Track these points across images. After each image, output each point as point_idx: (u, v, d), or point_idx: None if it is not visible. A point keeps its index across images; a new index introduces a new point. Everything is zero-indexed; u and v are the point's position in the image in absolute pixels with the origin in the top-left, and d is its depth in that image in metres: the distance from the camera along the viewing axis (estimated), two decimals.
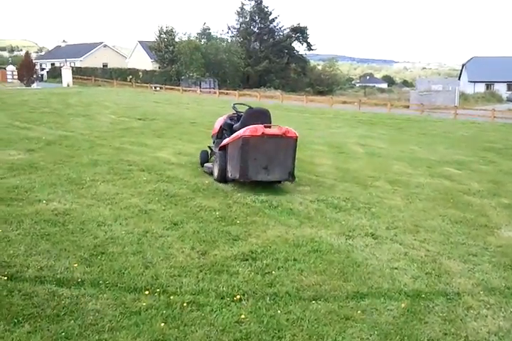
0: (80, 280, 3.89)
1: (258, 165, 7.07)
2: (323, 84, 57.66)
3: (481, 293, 4.15)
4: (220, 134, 8.17)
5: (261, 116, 7.58)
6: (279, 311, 3.62)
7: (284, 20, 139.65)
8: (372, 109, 31.95)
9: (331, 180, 8.15)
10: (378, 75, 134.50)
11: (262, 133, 7.01)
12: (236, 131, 7.41)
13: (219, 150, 7.72)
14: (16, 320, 3.24)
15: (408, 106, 34.36)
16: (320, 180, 8.06)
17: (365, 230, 5.63)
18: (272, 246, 4.89)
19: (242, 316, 3.50)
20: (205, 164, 8.35)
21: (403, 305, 3.82)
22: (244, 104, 8.47)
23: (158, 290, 3.80)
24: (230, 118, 8.24)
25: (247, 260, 4.53)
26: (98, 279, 3.92)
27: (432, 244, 5.30)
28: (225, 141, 7.62)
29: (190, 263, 4.38)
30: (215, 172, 7.64)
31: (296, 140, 7.31)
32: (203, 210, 5.94)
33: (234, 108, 8.37)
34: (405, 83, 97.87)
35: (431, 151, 12.58)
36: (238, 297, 3.77)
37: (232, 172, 7.26)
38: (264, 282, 4.11)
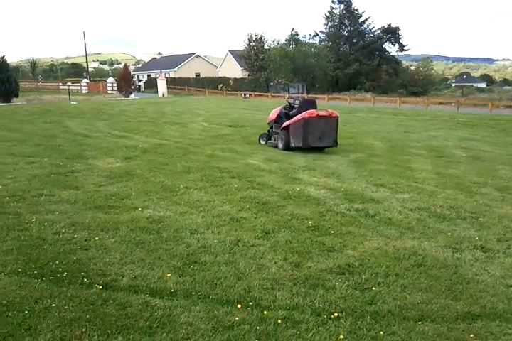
0: (172, 290, 3.82)
1: (314, 136, 10.71)
2: (417, 85, 55.42)
3: None
4: (278, 119, 11.65)
5: (311, 104, 11.35)
6: (381, 332, 3.30)
7: (374, 21, 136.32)
8: (472, 109, 30.03)
9: (431, 186, 7.60)
10: (476, 74, 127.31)
11: (317, 115, 10.68)
12: (293, 116, 11.02)
13: (281, 130, 11.18)
14: (109, 331, 3.20)
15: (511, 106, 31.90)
16: (420, 186, 7.54)
17: (473, 242, 5.12)
18: (371, 259, 4.56)
19: (341, 336, 3.23)
20: (269, 141, 11.81)
21: None
22: (291, 101, 12.07)
23: (251, 303, 3.63)
24: (284, 108, 11.80)
25: (343, 274, 4.24)
26: (190, 290, 3.84)
27: None
28: (286, 123, 11.07)
29: (284, 275, 4.17)
30: (280, 144, 11.16)
31: (338, 118, 10.98)
32: (295, 219, 5.72)
33: (288, 100, 12.15)
34: (506, 82, 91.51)
35: None
36: (336, 314, 3.50)
37: (295, 143, 10.85)
38: (364, 299, 3.80)
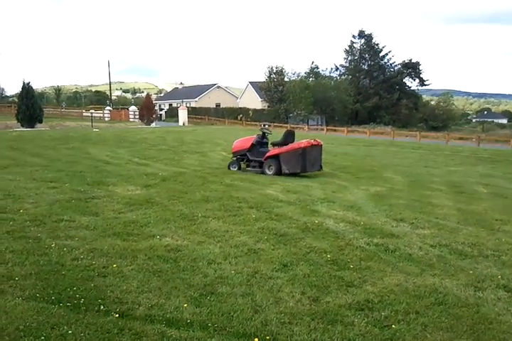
0: (189, 321, 3.78)
1: (310, 163, 12.02)
2: (437, 119, 55.49)
3: None
4: (252, 148, 12.72)
5: (292, 135, 12.71)
6: None
7: (395, 56, 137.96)
8: (493, 145, 29.81)
9: (452, 222, 7.48)
10: (497, 110, 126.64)
11: (311, 144, 12.09)
12: (278, 144, 12.49)
13: (267, 158, 12.28)
14: None
15: None
16: (440, 222, 7.43)
17: (496, 281, 4.98)
18: (391, 296, 4.47)
19: None
20: (249, 168, 12.72)
21: None
22: (266, 129, 13.69)
23: (268, 337, 3.56)
24: (259, 137, 12.91)
25: (362, 310, 4.15)
26: (207, 321, 3.79)
27: None
28: (274, 152, 12.24)
29: (301, 309, 4.10)
30: (270, 171, 12.21)
31: (322, 146, 12.57)
32: (313, 252, 5.66)
33: (262, 130, 13.36)
34: None
35: None
36: None
37: (289, 169, 11.96)
38: (383, 337, 3.70)
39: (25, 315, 3.74)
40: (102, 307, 3.91)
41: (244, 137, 13.92)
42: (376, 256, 5.59)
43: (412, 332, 3.79)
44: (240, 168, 12.82)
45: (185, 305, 4.05)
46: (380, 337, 3.70)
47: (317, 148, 12.27)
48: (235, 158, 13.10)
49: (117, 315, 3.78)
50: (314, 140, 12.35)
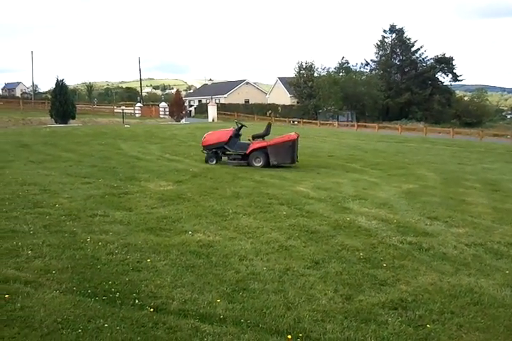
0: (222, 316, 3.81)
1: (295, 154, 12.62)
2: (470, 115, 54.27)
3: None
4: (230, 141, 12.91)
5: (270, 127, 13.28)
6: None
7: (427, 50, 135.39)
8: None
9: (487, 221, 7.31)
10: None
11: (298, 136, 12.85)
12: (260, 136, 13.04)
13: (253, 151, 12.60)
14: None
15: None
16: (475, 221, 7.27)
17: None
18: (425, 295, 4.40)
19: None
20: (230, 161, 12.90)
21: None
22: (241, 123, 13.85)
23: (300, 335, 3.56)
24: (236, 130, 13.25)
25: (396, 309, 4.11)
26: (240, 317, 3.81)
27: None
28: (261, 144, 12.62)
29: (334, 307, 4.08)
30: (257, 163, 12.54)
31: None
32: (345, 250, 5.62)
33: (237, 123, 13.69)
34: None
35: None
36: None
37: (278, 161, 12.46)
38: (418, 336, 3.66)
39: (62, 307, 3.83)
40: (136, 301, 3.98)
41: (215, 130, 14.16)
42: (410, 255, 5.52)
43: (447, 332, 3.74)
44: (218, 161, 12.97)
45: (218, 300, 4.08)
46: (414, 336, 3.65)
47: (297, 140, 12.86)
48: (209, 152, 13.08)
49: (152, 310, 3.84)
50: (295, 133, 13.11)
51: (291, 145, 12.52)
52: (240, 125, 13.61)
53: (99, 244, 5.40)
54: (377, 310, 4.07)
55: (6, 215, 6.45)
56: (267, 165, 12.44)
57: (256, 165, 12.54)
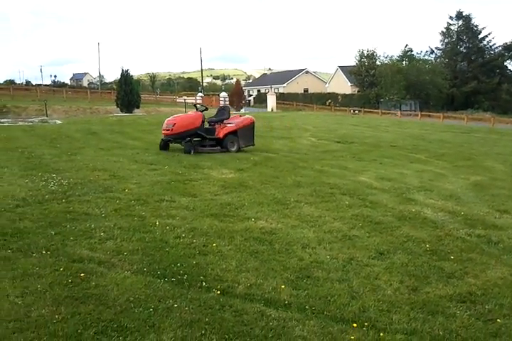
0: (286, 302, 3.86)
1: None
2: None
3: None
4: (202, 126, 11.90)
5: (226, 110, 13.03)
6: None
7: (495, 37, 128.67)
8: None
9: None
10: None
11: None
12: (216, 121, 12.36)
13: (227, 135, 12.05)
14: (226, 336, 3.30)
15: None
16: None
17: None
18: (494, 289, 4.26)
19: None
20: (203, 148, 11.93)
21: None
22: (204, 105, 13.27)
23: (366, 324, 3.55)
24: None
25: (464, 302, 4.01)
26: (304, 304, 3.84)
27: None
28: (232, 128, 12.13)
29: (400, 298, 4.03)
30: (233, 148, 12.12)
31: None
32: (411, 241, 5.51)
33: (199, 107, 12.80)
34: None
35: None
36: None
37: (245, 143, 12.42)
38: (487, 330, 3.56)
39: (134, 287, 4.00)
40: (203, 283, 4.10)
41: (177, 115, 13.03)
42: (478, 248, 5.35)
43: None
44: (201, 148, 11.94)
45: (283, 286, 4.14)
46: (484, 330, 3.56)
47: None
48: (183, 141, 11.71)
49: (218, 292, 3.95)
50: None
51: (253, 128, 12.63)
52: (204, 108, 12.65)
53: (167, 227, 5.58)
54: (445, 302, 3.99)
55: (79, 199, 6.78)
56: (238, 149, 12.20)
57: (232, 149, 12.10)
